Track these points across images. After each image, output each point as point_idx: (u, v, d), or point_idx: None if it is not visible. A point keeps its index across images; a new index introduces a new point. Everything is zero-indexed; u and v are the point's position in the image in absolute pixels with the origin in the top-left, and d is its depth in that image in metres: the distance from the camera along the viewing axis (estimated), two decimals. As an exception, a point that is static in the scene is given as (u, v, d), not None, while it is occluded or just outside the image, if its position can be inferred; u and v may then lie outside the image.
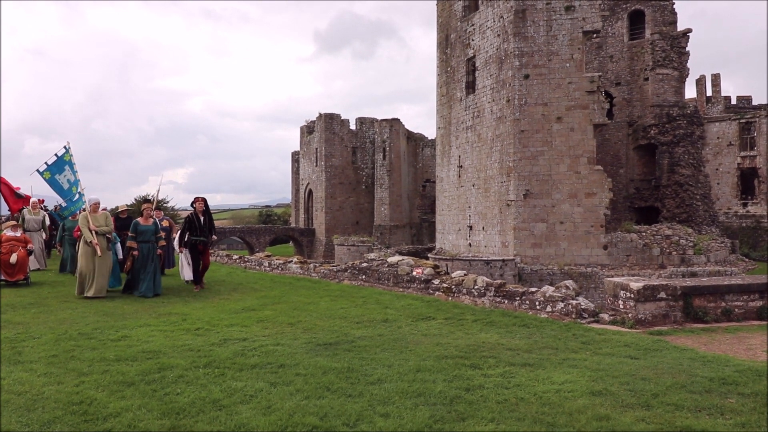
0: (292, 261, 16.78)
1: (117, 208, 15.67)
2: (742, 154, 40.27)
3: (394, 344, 7.03)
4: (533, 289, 9.98)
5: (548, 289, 9.69)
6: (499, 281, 10.63)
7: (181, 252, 13.32)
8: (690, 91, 41.20)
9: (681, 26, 33.56)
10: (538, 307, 9.43)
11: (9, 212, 18.82)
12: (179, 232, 14.04)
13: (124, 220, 14.15)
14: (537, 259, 26.93)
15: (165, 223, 15.01)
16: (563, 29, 27.23)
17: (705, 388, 5.16)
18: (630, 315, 8.44)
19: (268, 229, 55.87)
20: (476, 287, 10.63)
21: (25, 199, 17.97)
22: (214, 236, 13.37)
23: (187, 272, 13.54)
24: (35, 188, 18.35)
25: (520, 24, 27.57)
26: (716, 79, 43.56)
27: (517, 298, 9.86)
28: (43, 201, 18.42)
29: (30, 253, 13.65)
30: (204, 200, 12.95)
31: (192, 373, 5.68)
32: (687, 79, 34.02)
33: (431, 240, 44.30)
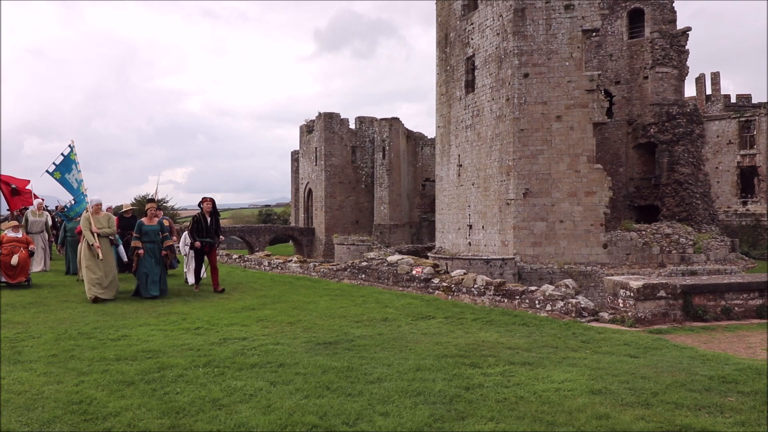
0: (291, 260, 16.78)
1: (122, 206, 15.51)
2: (742, 152, 40.28)
3: (393, 343, 7.03)
4: (533, 288, 9.98)
5: (548, 288, 9.69)
6: (498, 280, 10.63)
7: (197, 245, 12.72)
8: (690, 90, 41.22)
9: (681, 25, 33.55)
10: (537, 306, 9.43)
11: (8, 211, 18.69)
12: (187, 231, 13.76)
13: (128, 219, 13.92)
14: (537, 257, 26.93)
15: (165, 223, 14.81)
16: (563, 28, 27.21)
17: (705, 387, 5.16)
18: (630, 313, 8.44)
19: (267, 228, 55.87)
20: (476, 286, 10.63)
21: (23, 197, 17.77)
22: (221, 237, 13.08)
23: (190, 275, 13.36)
24: (36, 189, 18.15)
25: (520, 23, 27.55)
26: (716, 77, 43.54)
27: (517, 297, 9.86)
28: (43, 201, 18.32)
29: (31, 254, 13.36)
30: (212, 201, 12.63)
31: (192, 372, 5.68)
32: (686, 77, 34.00)
33: (431, 239, 44.32)
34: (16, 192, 17.89)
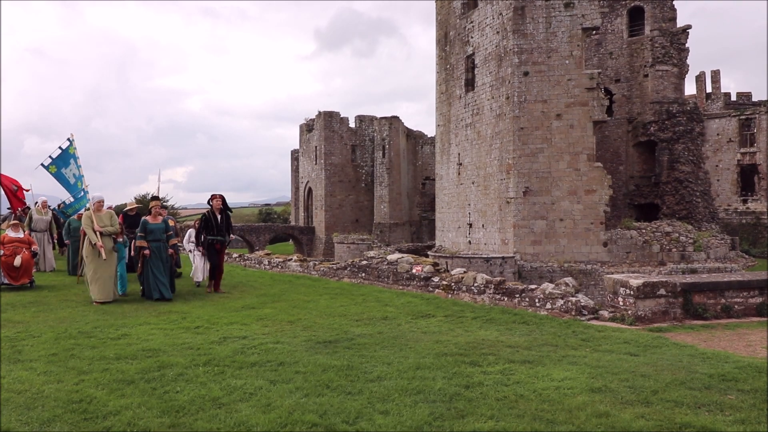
0: (291, 259, 16.78)
1: (125, 205, 15.24)
2: (742, 150, 40.25)
3: (393, 342, 7.03)
4: (533, 287, 9.98)
5: (548, 287, 9.70)
6: (498, 278, 10.64)
7: (200, 251, 12.53)
8: (690, 88, 41.17)
9: (681, 23, 33.52)
10: (537, 304, 9.43)
11: (9, 210, 18.54)
12: (196, 231, 13.46)
13: (133, 217, 13.50)
14: (537, 256, 26.92)
15: (171, 223, 14.45)
16: (562, 26, 27.18)
17: (705, 385, 5.16)
18: (630, 312, 8.44)
19: (267, 227, 55.84)
20: (476, 285, 10.63)
21: (20, 200, 17.49)
22: (232, 236, 12.61)
23: (198, 274, 13.10)
24: (36, 187, 17.89)
25: (519, 21, 27.52)
26: (716, 75, 43.50)
27: (517, 296, 9.86)
28: (46, 201, 17.98)
29: (34, 255, 12.83)
30: (222, 198, 12.17)
31: (192, 371, 5.68)
32: (687, 75, 33.97)
33: (431, 238, 44.31)
34: (16, 195, 17.58)
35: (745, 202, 40.14)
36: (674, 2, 33.41)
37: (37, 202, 16.67)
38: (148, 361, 6.05)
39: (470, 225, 30.88)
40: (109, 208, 12.80)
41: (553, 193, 27.14)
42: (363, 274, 13.57)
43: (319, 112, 54.36)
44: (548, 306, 9.25)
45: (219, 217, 12.05)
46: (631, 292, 8.47)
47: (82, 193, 13.08)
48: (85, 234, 11.09)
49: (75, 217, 14.91)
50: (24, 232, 13.19)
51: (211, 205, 12.11)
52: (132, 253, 11.93)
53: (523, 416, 4.44)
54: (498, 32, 28.63)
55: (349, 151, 54.16)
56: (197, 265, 13.17)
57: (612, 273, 18.23)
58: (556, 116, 27.17)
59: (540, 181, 27.21)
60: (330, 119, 53.50)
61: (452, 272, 11.80)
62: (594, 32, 29.45)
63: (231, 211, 12.54)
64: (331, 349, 6.63)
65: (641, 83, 33.65)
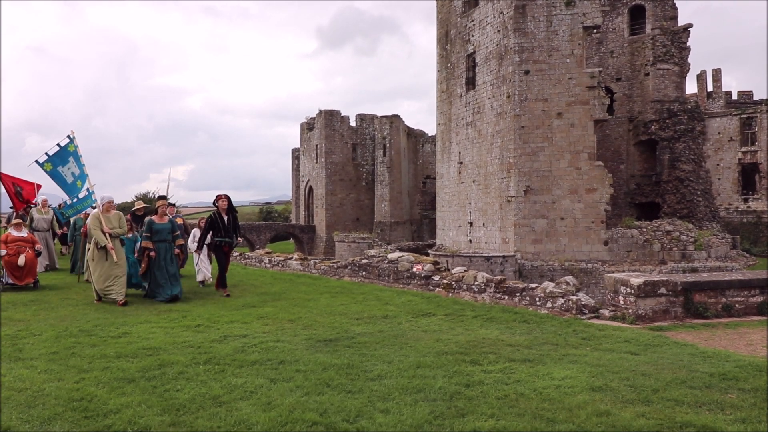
0: (292, 258, 16.79)
1: (134, 204, 15.09)
2: (743, 149, 40.20)
3: (394, 340, 7.03)
4: (533, 285, 9.97)
5: (548, 285, 9.69)
6: (499, 277, 10.63)
7: (198, 253, 12.31)
8: (691, 87, 41.11)
9: (683, 22, 33.47)
10: (538, 303, 9.43)
11: (12, 209, 18.43)
12: (201, 232, 13.21)
13: (140, 217, 13.28)
14: (537, 255, 26.92)
15: (178, 221, 13.97)
16: (563, 25, 27.15)
17: (705, 384, 5.16)
18: (630, 311, 8.43)
19: (268, 225, 55.84)
20: (476, 283, 10.63)
21: (24, 200, 17.31)
22: (240, 238, 12.06)
23: (201, 275, 13.01)
24: (42, 187, 17.64)
25: (520, 19, 27.50)
26: (717, 74, 43.44)
27: (518, 294, 9.86)
28: (47, 201, 17.48)
29: (38, 254, 12.59)
30: (227, 198, 11.77)
31: (192, 369, 5.69)
32: (688, 74, 33.94)
33: (431, 236, 44.30)
34: (20, 196, 17.33)
35: (746, 201, 40.10)
36: (675, 1, 33.40)
37: (37, 202, 16.59)
38: (148, 360, 6.05)
39: (471, 224, 30.87)
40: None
41: (553, 191, 27.13)
42: (363, 273, 13.57)
43: (320, 111, 54.35)
44: (549, 305, 9.24)
45: (226, 218, 11.64)
46: (632, 291, 8.46)
47: (86, 193, 12.40)
48: (85, 235, 10.75)
49: (81, 216, 14.54)
50: (28, 231, 13.02)
51: (216, 206, 11.71)
52: (136, 254, 11.62)
53: (524, 415, 4.44)
54: (499, 31, 28.60)
55: (349, 150, 54.15)
56: (200, 266, 13.08)
57: (613, 272, 18.22)
58: (556, 115, 27.15)
59: (541, 179, 27.19)
60: (331, 118, 53.49)
61: (453, 271, 11.79)
62: (595, 31, 29.41)
63: (236, 212, 12.14)
64: (331, 348, 6.63)
65: (642, 82, 33.62)
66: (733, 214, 39.75)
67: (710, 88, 43.68)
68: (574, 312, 8.81)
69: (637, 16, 34.02)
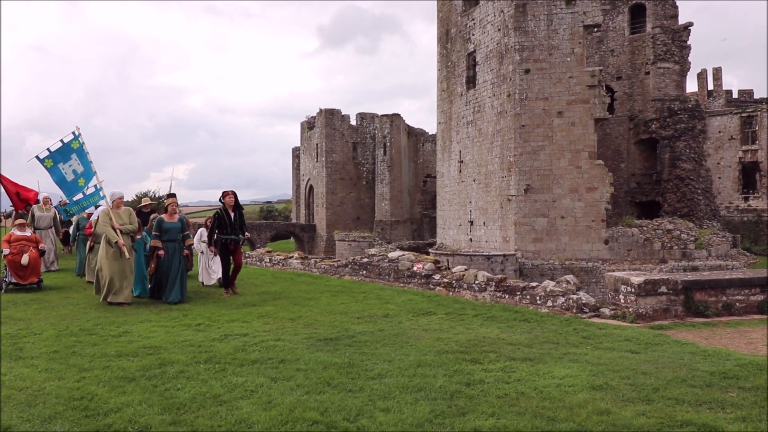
0: (292, 256, 16.79)
1: (140, 201, 14.87)
2: (744, 148, 40.15)
3: (394, 339, 7.03)
4: (534, 284, 9.98)
5: (549, 284, 9.69)
6: (499, 276, 10.64)
7: (212, 252, 11.79)
8: (691, 85, 41.06)
9: (683, 21, 33.44)
10: (538, 302, 9.43)
11: (12, 207, 18.31)
12: (204, 227, 13.16)
13: (147, 214, 13.07)
14: (538, 254, 26.91)
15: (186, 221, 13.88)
16: (564, 23, 27.12)
17: (706, 382, 5.16)
18: (631, 309, 8.43)
19: (269, 224, 55.84)
20: (477, 282, 10.63)
21: (23, 198, 17.13)
22: (246, 234, 11.78)
23: (206, 276, 12.83)
24: (42, 184, 17.45)
25: (521, 18, 27.47)
26: (717, 72, 43.39)
27: (518, 293, 9.86)
28: (49, 199, 16.92)
29: (42, 253, 12.47)
30: (234, 194, 11.45)
31: (193, 368, 5.69)
32: (688, 73, 33.91)
33: (432, 235, 44.29)
34: (20, 195, 17.16)
35: (746, 199, 40.07)
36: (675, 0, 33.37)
37: (38, 200, 16.47)
38: (149, 359, 6.05)
39: (471, 222, 30.86)
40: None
41: (554, 190, 27.12)
42: (364, 272, 13.57)
43: (321, 110, 54.33)
44: (549, 303, 9.24)
45: (232, 215, 11.35)
46: (633, 290, 8.46)
47: (93, 189, 11.86)
48: (90, 234, 10.50)
49: (84, 215, 14.28)
50: (30, 230, 12.88)
51: (223, 203, 11.43)
52: (146, 251, 11.34)
53: (524, 414, 4.44)
54: (499, 29, 28.58)
55: (350, 149, 54.13)
56: (203, 266, 12.91)
57: (613, 270, 18.21)
58: (557, 114, 27.13)
59: (541, 178, 27.18)
60: (331, 117, 53.47)
61: (453, 270, 11.79)
62: (595, 29, 29.39)
63: (243, 209, 11.90)
64: (332, 347, 6.63)
65: (643, 81, 33.59)
66: (734, 213, 39.73)
67: (711, 87, 43.63)
68: (574, 311, 8.81)
69: (637, 14, 33.98)
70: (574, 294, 9.19)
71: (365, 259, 13.81)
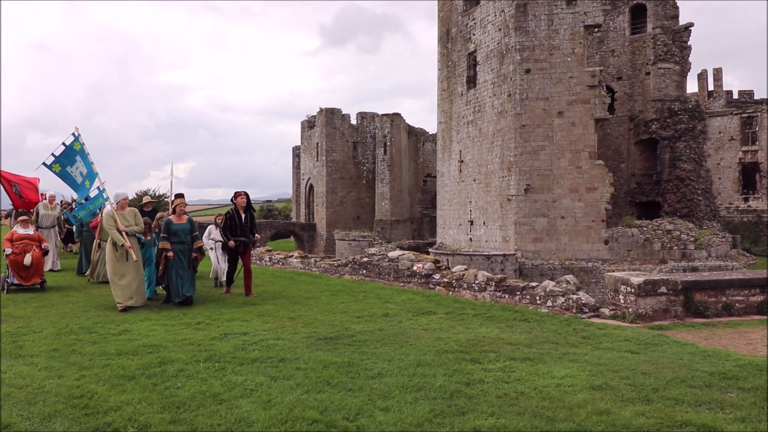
0: (292, 255, 16.79)
1: (142, 200, 14.78)
2: (744, 148, 40.16)
3: (394, 339, 7.03)
4: (534, 284, 9.98)
5: (549, 284, 9.69)
6: (499, 276, 10.64)
7: (231, 245, 11.19)
8: (692, 86, 41.07)
9: (684, 21, 33.43)
10: (538, 302, 9.43)
11: (11, 206, 18.18)
12: (214, 226, 13.04)
13: (148, 213, 12.89)
14: (538, 253, 26.91)
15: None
16: (564, 23, 27.12)
17: (705, 383, 5.16)
18: (631, 309, 8.43)
19: (269, 223, 55.82)
20: (477, 282, 10.63)
21: (24, 201, 16.85)
22: (257, 236, 11.52)
23: (220, 273, 12.58)
24: (43, 183, 17.14)
25: (522, 18, 27.47)
26: (718, 73, 43.39)
27: (518, 293, 9.86)
28: (54, 197, 16.67)
29: (45, 253, 12.09)
30: (246, 195, 11.22)
31: (192, 367, 5.69)
32: (689, 73, 33.90)
33: (432, 235, 44.29)
34: (19, 194, 16.91)
35: (746, 200, 40.08)
36: (676, 0, 33.35)
37: (45, 195, 16.21)
38: (149, 357, 6.05)
39: (471, 222, 30.86)
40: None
41: (554, 190, 27.12)
42: (364, 271, 13.57)
43: (321, 109, 54.33)
44: (549, 303, 9.24)
45: (243, 216, 11.12)
46: (632, 290, 8.46)
47: (97, 191, 11.66)
48: (95, 230, 10.32)
49: (93, 220, 13.86)
50: (33, 229, 12.50)
51: (234, 203, 11.19)
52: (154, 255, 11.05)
53: (524, 413, 4.44)
54: (500, 29, 28.57)
55: (350, 148, 54.13)
56: (215, 265, 12.76)
57: (613, 271, 18.21)
58: (557, 114, 27.12)
59: (541, 178, 27.18)
60: (331, 116, 53.47)
61: (453, 269, 11.79)
62: (596, 30, 29.38)
63: (254, 210, 11.66)
64: (331, 346, 6.63)
65: (643, 81, 33.58)
66: (734, 214, 39.74)
67: (711, 88, 43.64)
68: (574, 311, 8.82)
69: (638, 15, 33.97)
70: (573, 294, 9.19)
71: (365, 259, 13.82)
